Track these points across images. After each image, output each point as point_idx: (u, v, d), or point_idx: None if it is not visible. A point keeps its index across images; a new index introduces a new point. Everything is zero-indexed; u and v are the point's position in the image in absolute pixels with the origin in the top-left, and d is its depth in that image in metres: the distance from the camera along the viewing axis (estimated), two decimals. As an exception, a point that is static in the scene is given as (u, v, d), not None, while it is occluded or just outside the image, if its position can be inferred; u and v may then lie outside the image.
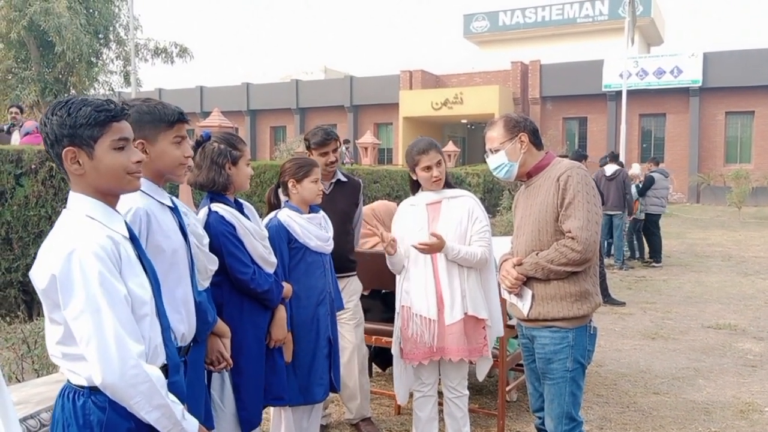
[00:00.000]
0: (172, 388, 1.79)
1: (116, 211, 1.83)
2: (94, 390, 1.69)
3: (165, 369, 1.82)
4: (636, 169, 12.18)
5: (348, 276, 3.91)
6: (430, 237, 3.13)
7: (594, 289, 2.82)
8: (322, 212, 3.33)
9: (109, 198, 1.80)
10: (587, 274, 2.78)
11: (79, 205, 1.75)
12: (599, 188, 7.85)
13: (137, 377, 1.64)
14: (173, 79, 54.93)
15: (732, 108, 26.63)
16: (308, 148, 3.85)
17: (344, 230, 3.84)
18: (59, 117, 1.71)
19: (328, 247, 3.27)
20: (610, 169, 10.29)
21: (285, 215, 3.17)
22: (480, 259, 3.21)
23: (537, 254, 2.77)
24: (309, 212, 3.26)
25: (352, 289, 3.95)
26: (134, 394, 1.64)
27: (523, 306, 2.84)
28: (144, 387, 1.65)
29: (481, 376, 3.48)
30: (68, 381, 1.75)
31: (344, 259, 3.81)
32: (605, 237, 10.53)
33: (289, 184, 3.21)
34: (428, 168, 3.26)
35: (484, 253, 3.21)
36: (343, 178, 3.97)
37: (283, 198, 3.31)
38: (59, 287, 1.63)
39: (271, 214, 3.24)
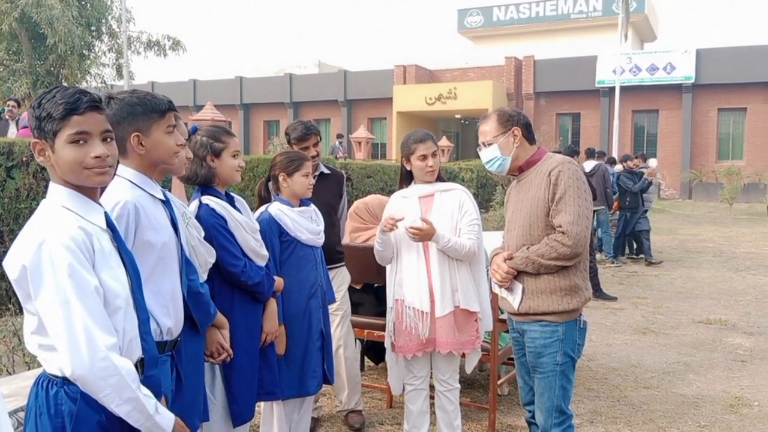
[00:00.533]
0: (149, 382, 1.77)
1: (97, 202, 1.80)
2: (67, 380, 1.67)
3: (142, 363, 1.80)
4: (653, 164, 12.15)
5: (337, 267, 3.93)
6: (422, 223, 3.13)
7: (584, 283, 2.83)
8: (313, 205, 3.33)
9: (86, 189, 1.76)
10: (577, 268, 2.79)
11: (56, 196, 1.74)
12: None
13: (106, 370, 1.61)
14: (166, 72, 54.79)
15: (724, 105, 26.75)
16: (289, 142, 3.84)
17: (330, 222, 3.83)
18: (32, 109, 1.71)
19: (320, 240, 3.27)
20: (589, 165, 10.35)
21: (276, 209, 3.16)
22: (468, 251, 3.21)
23: (528, 248, 2.78)
24: (300, 206, 3.26)
25: (340, 279, 3.96)
26: (103, 387, 1.62)
27: (513, 300, 2.85)
28: (113, 380, 1.62)
29: (469, 368, 3.49)
30: (44, 370, 1.73)
31: (332, 250, 3.82)
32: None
33: (280, 178, 3.20)
34: (424, 157, 3.26)
35: (472, 246, 3.22)
36: (326, 171, 3.99)
37: (273, 191, 3.30)
38: (29, 278, 1.63)
39: (262, 208, 3.23)
